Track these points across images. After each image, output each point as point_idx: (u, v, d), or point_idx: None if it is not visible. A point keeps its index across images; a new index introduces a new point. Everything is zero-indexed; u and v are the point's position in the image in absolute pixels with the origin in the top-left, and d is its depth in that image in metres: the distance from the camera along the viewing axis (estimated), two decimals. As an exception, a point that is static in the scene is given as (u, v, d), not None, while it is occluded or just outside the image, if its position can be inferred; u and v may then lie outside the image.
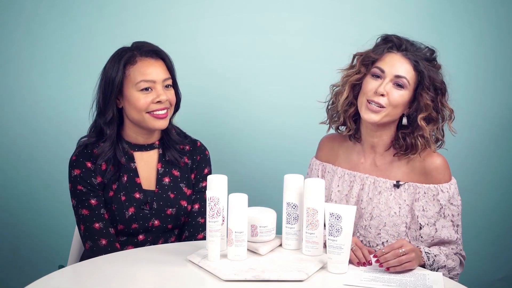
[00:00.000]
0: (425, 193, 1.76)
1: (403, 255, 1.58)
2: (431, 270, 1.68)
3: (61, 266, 1.72)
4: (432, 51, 1.81)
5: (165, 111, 1.85)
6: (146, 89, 1.82)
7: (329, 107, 1.90)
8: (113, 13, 2.47)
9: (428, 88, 1.75)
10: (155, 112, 1.84)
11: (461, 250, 1.79)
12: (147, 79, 1.82)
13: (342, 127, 1.89)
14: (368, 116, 1.75)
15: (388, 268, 1.57)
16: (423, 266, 1.68)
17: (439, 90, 1.77)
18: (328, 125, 1.91)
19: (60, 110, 2.48)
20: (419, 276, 1.56)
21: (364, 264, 1.60)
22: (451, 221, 1.77)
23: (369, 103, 1.75)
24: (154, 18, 2.48)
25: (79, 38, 2.46)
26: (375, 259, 1.59)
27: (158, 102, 1.83)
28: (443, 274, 1.69)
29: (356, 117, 1.86)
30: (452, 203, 1.76)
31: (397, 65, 1.75)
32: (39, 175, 2.51)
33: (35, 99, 2.50)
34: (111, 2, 2.47)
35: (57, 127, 2.48)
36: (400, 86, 1.75)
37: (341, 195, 1.85)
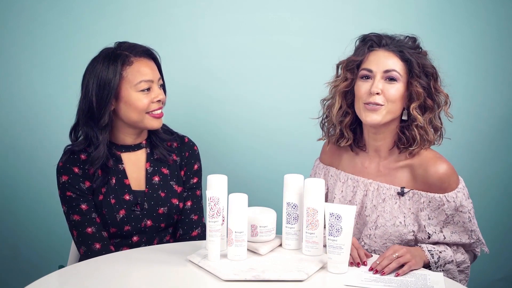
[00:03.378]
0: (430, 202, 1.69)
1: (399, 258, 1.56)
2: (437, 268, 1.65)
3: (61, 266, 1.72)
4: (414, 39, 1.76)
5: (161, 110, 1.85)
6: (148, 89, 1.82)
7: (323, 122, 1.85)
8: (113, 13, 2.47)
9: (419, 75, 1.70)
10: (154, 112, 1.83)
11: (474, 249, 1.76)
12: (147, 79, 1.82)
13: (341, 139, 1.82)
14: (370, 118, 1.69)
15: (397, 274, 1.54)
16: (428, 264, 1.65)
17: (431, 75, 1.72)
18: (327, 140, 1.86)
19: (60, 110, 2.48)
20: (420, 276, 1.56)
21: (358, 265, 1.59)
22: (463, 227, 1.72)
23: (367, 105, 1.70)
24: (154, 18, 2.48)
25: (79, 38, 2.46)
26: (372, 271, 1.55)
27: (158, 101, 1.83)
28: (451, 270, 1.67)
29: (354, 126, 1.81)
30: (461, 211, 1.70)
31: (383, 60, 1.70)
32: (39, 175, 2.51)
33: (35, 99, 2.50)
34: (111, 2, 2.47)
35: (57, 127, 2.48)
36: (392, 79, 1.70)
37: (345, 201, 1.81)
